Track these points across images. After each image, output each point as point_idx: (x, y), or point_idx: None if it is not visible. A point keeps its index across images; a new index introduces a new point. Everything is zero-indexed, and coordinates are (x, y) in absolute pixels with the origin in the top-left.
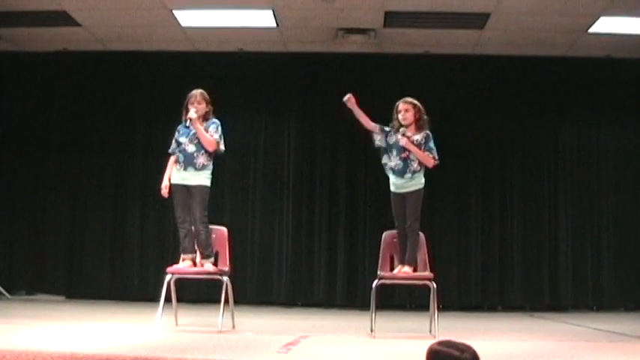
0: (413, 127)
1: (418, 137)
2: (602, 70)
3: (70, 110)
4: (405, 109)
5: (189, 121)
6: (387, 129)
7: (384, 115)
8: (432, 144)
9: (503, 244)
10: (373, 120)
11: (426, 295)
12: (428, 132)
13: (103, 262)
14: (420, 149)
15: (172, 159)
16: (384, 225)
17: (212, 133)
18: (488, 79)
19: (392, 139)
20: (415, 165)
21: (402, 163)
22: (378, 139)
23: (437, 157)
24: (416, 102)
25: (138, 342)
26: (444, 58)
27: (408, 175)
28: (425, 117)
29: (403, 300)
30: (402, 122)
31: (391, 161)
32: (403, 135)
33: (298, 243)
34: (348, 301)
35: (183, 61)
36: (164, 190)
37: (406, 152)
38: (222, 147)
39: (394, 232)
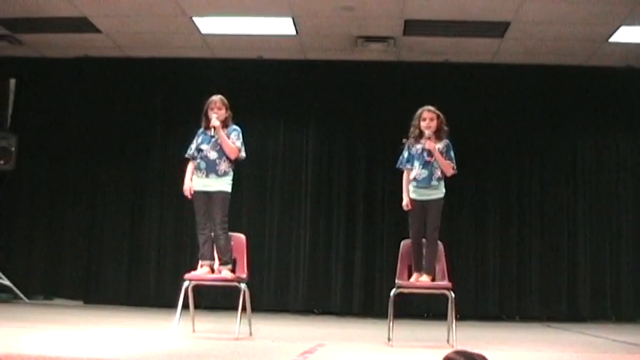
0: (433, 136)
1: (440, 146)
2: (623, 79)
3: (90, 116)
4: (431, 117)
5: (213, 129)
6: (405, 155)
7: (402, 123)
8: (452, 153)
9: (521, 254)
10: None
11: (444, 305)
12: (448, 141)
13: (120, 267)
14: (442, 157)
15: (191, 165)
16: (402, 233)
17: (234, 140)
18: (507, 88)
19: (412, 150)
20: (439, 172)
21: (426, 172)
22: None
23: (455, 167)
24: (439, 112)
25: (155, 348)
26: (463, 66)
27: (435, 182)
28: (445, 127)
29: (421, 309)
30: (425, 130)
31: (414, 172)
32: (429, 139)
33: (315, 250)
34: (365, 309)
35: (203, 68)
36: (188, 194)
37: (430, 157)
38: (243, 154)
39: None
